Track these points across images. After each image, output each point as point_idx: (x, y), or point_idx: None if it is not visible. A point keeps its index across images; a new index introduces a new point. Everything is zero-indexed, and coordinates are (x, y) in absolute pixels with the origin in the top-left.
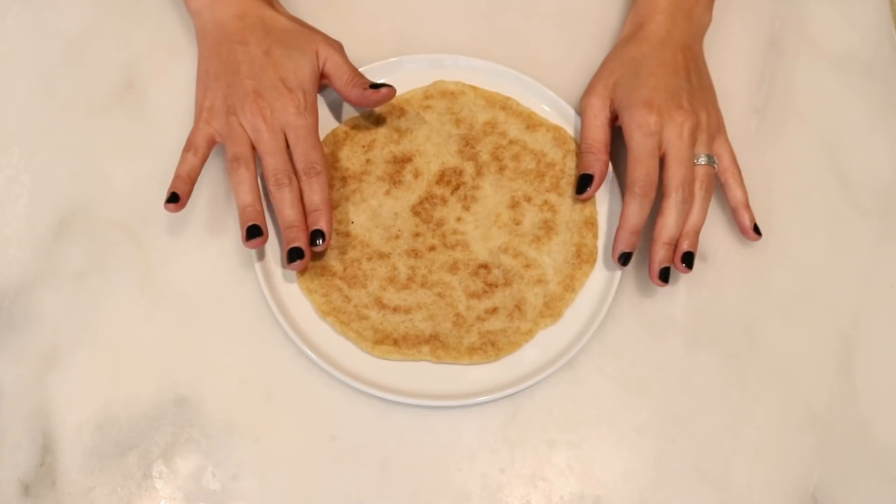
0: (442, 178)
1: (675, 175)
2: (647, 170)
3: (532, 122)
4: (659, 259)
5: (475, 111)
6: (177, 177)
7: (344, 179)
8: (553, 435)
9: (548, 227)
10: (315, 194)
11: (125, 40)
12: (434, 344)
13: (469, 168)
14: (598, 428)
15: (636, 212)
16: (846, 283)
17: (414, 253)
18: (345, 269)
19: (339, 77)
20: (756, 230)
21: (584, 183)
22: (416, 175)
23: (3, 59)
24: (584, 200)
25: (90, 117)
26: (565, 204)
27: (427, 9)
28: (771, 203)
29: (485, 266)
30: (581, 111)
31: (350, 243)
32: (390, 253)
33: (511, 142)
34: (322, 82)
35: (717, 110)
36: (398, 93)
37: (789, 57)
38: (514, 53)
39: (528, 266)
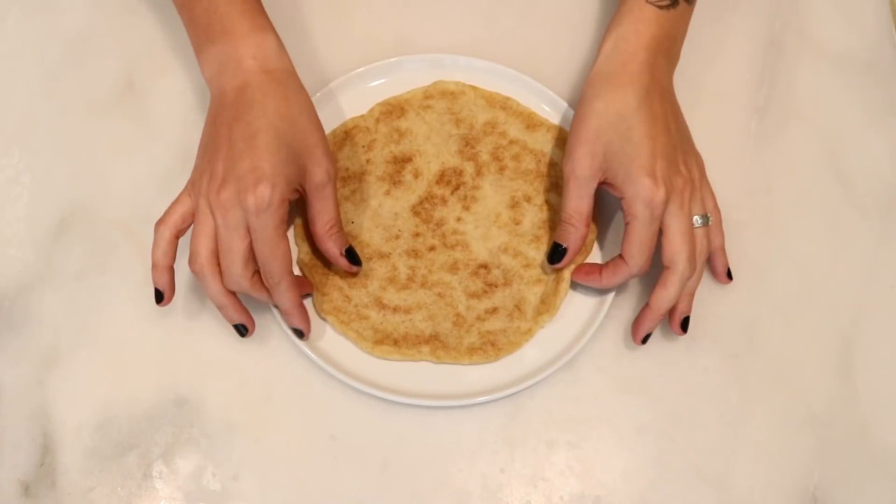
0: (442, 178)
1: (680, 251)
2: (648, 255)
3: (532, 122)
4: (648, 327)
5: (475, 111)
6: (154, 267)
7: (344, 179)
8: (553, 435)
9: (548, 227)
10: (281, 302)
11: (125, 40)
12: (434, 344)
13: (469, 168)
14: (598, 428)
15: (621, 280)
16: (846, 283)
17: (414, 253)
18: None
19: (319, 211)
20: (728, 275)
21: (556, 254)
22: (416, 175)
23: (3, 60)
24: (557, 271)
25: (90, 118)
26: None
27: (427, 9)
28: (771, 203)
29: (485, 266)
30: (565, 179)
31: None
32: (390, 253)
33: (511, 142)
34: (294, 195)
35: (698, 154)
36: (398, 92)
37: (789, 57)
38: (514, 53)
39: (527, 266)
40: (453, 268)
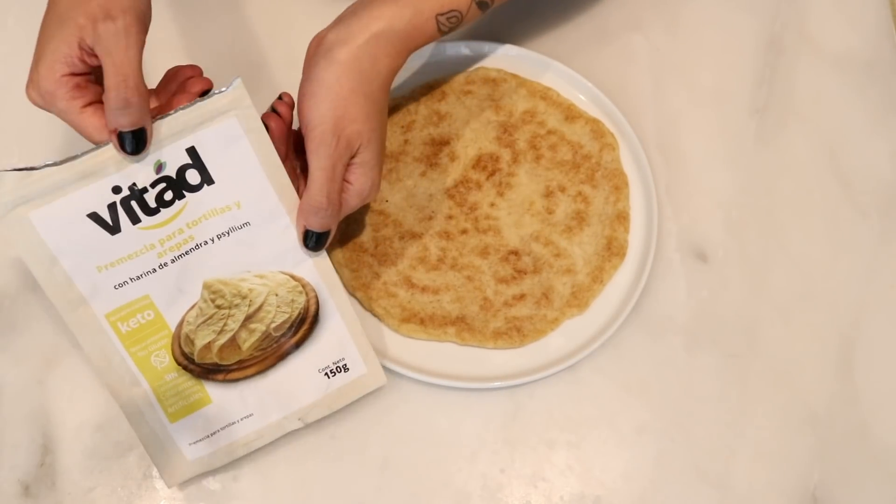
0: (478, 164)
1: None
2: None
3: (571, 114)
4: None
5: (515, 99)
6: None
7: None
8: (553, 435)
9: (580, 219)
10: None
11: None
12: (460, 326)
13: (506, 155)
14: (598, 428)
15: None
16: (846, 283)
17: (446, 235)
18: (376, 247)
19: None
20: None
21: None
22: (453, 158)
23: (4, 59)
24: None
25: None
26: (599, 196)
27: None
28: (771, 203)
29: (515, 252)
30: None
31: (383, 221)
32: (422, 233)
33: (549, 132)
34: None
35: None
36: (441, 75)
37: (789, 57)
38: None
39: (557, 255)
40: (484, 252)
